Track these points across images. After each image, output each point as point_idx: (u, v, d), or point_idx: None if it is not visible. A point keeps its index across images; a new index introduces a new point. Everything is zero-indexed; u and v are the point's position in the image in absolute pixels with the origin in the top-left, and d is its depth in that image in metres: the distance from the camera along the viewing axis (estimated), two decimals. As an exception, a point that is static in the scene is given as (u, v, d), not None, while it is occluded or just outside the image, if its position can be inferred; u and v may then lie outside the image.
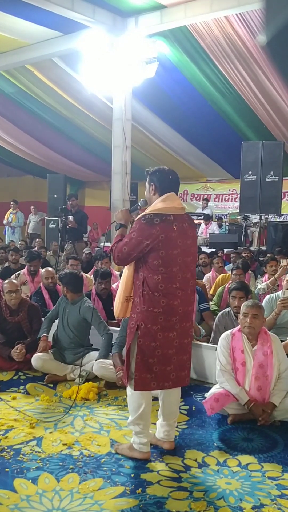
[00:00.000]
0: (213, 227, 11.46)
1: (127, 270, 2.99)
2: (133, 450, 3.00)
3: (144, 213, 2.93)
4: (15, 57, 9.28)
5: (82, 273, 5.99)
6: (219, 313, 4.71)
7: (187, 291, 2.93)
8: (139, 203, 3.18)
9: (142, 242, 2.81)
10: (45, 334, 4.56)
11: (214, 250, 8.62)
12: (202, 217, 11.89)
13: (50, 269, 6.03)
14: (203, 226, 11.49)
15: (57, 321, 4.65)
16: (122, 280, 3.04)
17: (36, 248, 9.25)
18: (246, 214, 9.80)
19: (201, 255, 7.70)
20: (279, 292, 4.62)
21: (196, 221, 11.90)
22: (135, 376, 2.89)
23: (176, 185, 3.03)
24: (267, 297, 4.70)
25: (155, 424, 3.25)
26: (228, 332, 3.74)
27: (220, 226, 11.63)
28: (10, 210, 12.79)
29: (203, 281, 6.75)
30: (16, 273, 6.63)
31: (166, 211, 2.86)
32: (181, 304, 2.90)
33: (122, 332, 4.19)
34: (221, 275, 6.64)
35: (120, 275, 4.36)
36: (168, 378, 2.93)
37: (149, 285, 2.85)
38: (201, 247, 9.53)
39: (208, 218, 11.61)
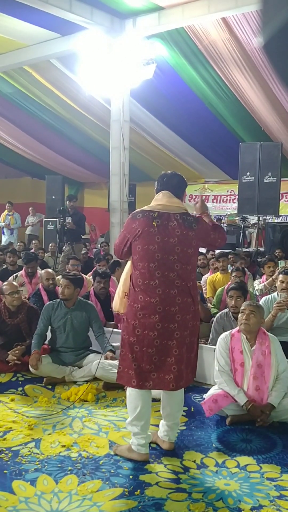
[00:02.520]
0: None
1: (126, 268, 3.09)
2: (132, 452, 2.99)
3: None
4: (12, 58, 9.28)
5: (81, 274, 5.99)
6: (218, 314, 4.72)
7: (170, 291, 2.87)
8: None
9: (126, 236, 2.98)
10: (37, 350, 4.36)
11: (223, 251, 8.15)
12: None
13: (50, 270, 6.02)
14: None
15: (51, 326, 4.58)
16: (122, 276, 3.11)
17: (33, 250, 9.25)
18: (244, 215, 9.82)
19: (199, 256, 7.70)
20: (275, 294, 4.62)
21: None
22: (119, 369, 2.99)
23: (174, 186, 3.03)
24: (263, 298, 4.71)
25: (156, 425, 3.25)
26: (227, 333, 3.75)
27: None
28: (6, 212, 12.74)
29: (201, 282, 6.76)
30: (14, 275, 6.62)
31: (152, 208, 2.95)
32: (161, 303, 2.85)
33: None
34: (211, 276, 6.71)
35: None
36: (148, 378, 2.88)
37: (133, 281, 2.96)
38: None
39: None
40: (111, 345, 4.35)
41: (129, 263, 3.07)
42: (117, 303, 3.10)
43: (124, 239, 2.99)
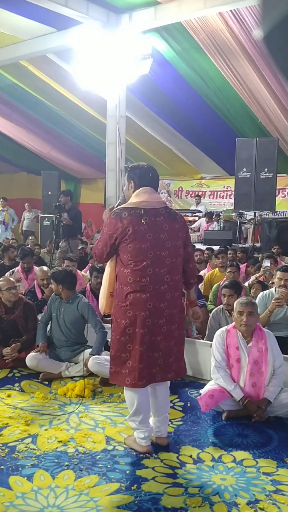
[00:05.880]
0: (213, 226, 11.44)
1: (108, 267, 3.05)
2: (136, 443, 3.06)
3: (115, 208, 2.99)
4: (9, 53, 9.23)
5: (77, 270, 5.97)
6: (213, 310, 4.73)
7: (160, 287, 2.89)
8: (119, 200, 3.19)
9: (112, 236, 2.89)
10: (44, 343, 4.46)
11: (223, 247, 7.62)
12: (203, 214, 11.85)
13: (45, 268, 5.97)
14: (203, 224, 11.46)
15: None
16: (105, 276, 3.09)
17: (29, 246, 9.22)
18: (240, 211, 9.82)
19: (196, 252, 7.69)
20: (272, 289, 4.63)
21: (190, 218, 11.89)
22: (110, 369, 2.99)
23: (156, 182, 3.06)
24: (260, 294, 4.72)
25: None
26: (223, 328, 3.75)
27: (217, 222, 11.63)
28: (0, 208, 12.66)
29: (198, 278, 6.73)
30: (10, 271, 6.60)
31: (136, 205, 2.91)
32: (151, 299, 2.87)
33: None
34: (209, 272, 6.60)
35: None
36: (141, 376, 2.89)
37: (120, 280, 2.92)
38: (195, 244, 9.54)
39: (210, 217, 11.56)
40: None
41: (110, 264, 3.03)
42: (103, 304, 3.08)
43: (109, 239, 2.89)
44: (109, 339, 4.39)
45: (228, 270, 5.79)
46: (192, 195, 13.77)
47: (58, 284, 4.50)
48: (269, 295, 4.53)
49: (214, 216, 11.69)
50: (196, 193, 13.54)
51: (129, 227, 2.84)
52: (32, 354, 4.36)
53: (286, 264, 5.12)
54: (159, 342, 2.93)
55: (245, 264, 7.00)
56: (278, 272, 4.59)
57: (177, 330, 3.01)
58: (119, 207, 2.97)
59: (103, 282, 3.10)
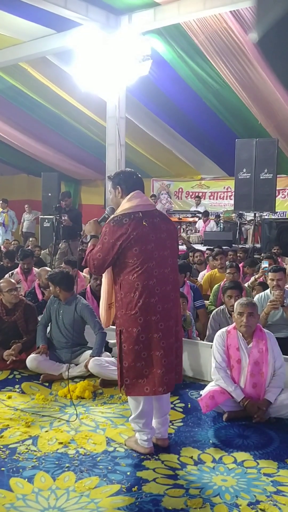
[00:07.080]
0: (211, 225, 11.46)
1: (105, 278, 3.02)
2: (138, 444, 3.05)
3: (112, 216, 2.96)
4: (8, 54, 9.24)
5: (78, 271, 5.96)
6: (214, 311, 4.73)
7: (166, 288, 2.90)
8: (106, 212, 3.17)
9: (115, 244, 2.84)
10: (44, 344, 4.46)
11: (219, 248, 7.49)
12: (201, 214, 11.87)
13: (47, 268, 5.99)
14: (201, 223, 11.47)
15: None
16: (103, 288, 3.05)
17: (29, 247, 9.21)
18: (240, 212, 9.83)
19: (196, 253, 7.69)
20: (268, 291, 4.63)
21: (190, 219, 11.91)
22: (126, 382, 2.91)
23: (141, 184, 3.07)
24: (256, 296, 4.72)
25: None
26: (224, 329, 3.75)
27: (217, 223, 11.65)
28: (0, 210, 12.62)
29: (198, 279, 6.74)
30: (10, 272, 6.59)
31: (133, 209, 2.90)
32: (159, 302, 2.86)
33: None
34: (208, 272, 6.59)
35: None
36: (161, 383, 2.86)
37: (126, 288, 2.87)
38: (195, 245, 9.55)
39: (207, 215, 11.58)
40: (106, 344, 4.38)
41: (106, 275, 3.00)
42: (103, 317, 3.07)
43: (113, 248, 2.84)
44: (111, 347, 4.43)
45: (228, 271, 5.79)
46: (192, 196, 13.78)
47: (56, 286, 4.51)
48: (265, 297, 4.54)
49: (211, 216, 11.69)
50: (196, 194, 13.55)
51: (133, 231, 2.83)
52: (32, 355, 4.36)
53: (275, 265, 5.14)
54: (173, 344, 2.92)
55: (241, 264, 6.99)
56: (269, 274, 4.62)
57: (180, 331, 3.06)
58: (116, 214, 2.93)
59: (101, 296, 3.05)
